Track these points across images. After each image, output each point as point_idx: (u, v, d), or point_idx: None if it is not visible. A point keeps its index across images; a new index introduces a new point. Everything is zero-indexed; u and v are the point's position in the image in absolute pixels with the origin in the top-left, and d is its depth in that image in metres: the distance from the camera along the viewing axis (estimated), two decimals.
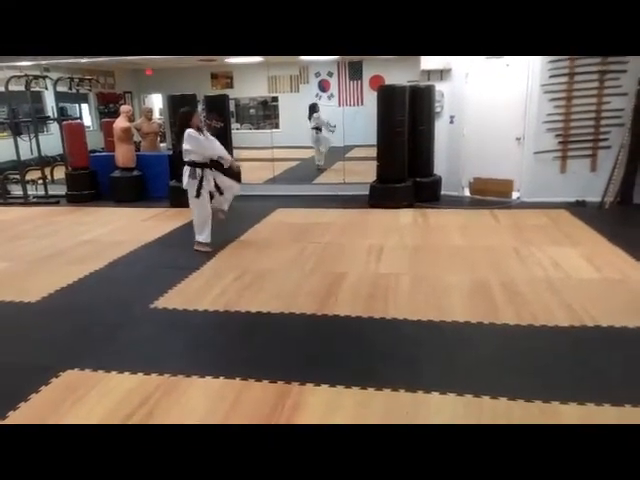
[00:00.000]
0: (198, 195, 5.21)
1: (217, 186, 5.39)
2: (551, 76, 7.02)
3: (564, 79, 7.00)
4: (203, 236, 5.35)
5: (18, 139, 8.48)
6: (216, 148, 5.28)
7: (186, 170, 5.22)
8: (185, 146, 5.14)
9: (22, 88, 8.67)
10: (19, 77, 8.58)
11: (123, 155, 8.19)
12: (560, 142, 7.19)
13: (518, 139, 7.35)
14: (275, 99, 14.42)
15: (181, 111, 5.39)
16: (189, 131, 5.11)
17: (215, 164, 5.36)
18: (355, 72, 13.43)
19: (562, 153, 7.23)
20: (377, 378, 2.90)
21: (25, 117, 9.09)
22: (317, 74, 14.07)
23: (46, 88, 9.56)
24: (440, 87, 7.68)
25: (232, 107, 12.84)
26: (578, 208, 6.83)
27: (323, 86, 14.10)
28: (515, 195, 7.52)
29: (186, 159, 5.20)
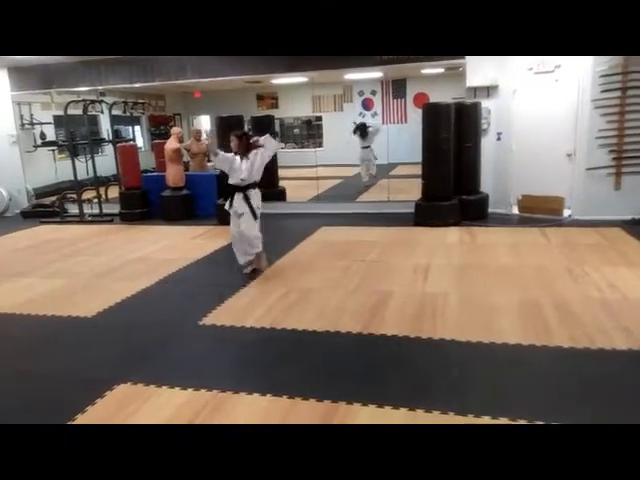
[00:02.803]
0: (255, 217, 5.15)
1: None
2: (602, 91, 6.83)
3: (616, 93, 6.79)
4: (259, 248, 5.24)
5: (75, 160, 8.91)
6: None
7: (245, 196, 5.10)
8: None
9: (79, 112, 9.14)
10: (77, 102, 9.04)
11: (173, 175, 8.46)
12: (614, 158, 6.96)
13: (569, 155, 7.16)
14: (319, 118, 14.61)
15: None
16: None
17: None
18: (399, 90, 13.48)
19: (616, 169, 6.98)
20: (426, 400, 2.85)
21: (82, 139, 9.55)
22: (361, 93, 14.19)
23: (102, 112, 10.03)
24: (487, 104, 7.60)
25: (277, 127, 13.09)
26: (634, 226, 6.55)
27: (367, 105, 14.20)
28: (566, 213, 7.30)
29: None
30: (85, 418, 2.82)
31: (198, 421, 2.74)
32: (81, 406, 2.92)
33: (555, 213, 7.28)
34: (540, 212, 7.36)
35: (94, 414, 2.86)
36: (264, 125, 9.48)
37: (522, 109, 7.39)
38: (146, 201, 8.80)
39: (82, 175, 9.10)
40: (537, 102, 7.28)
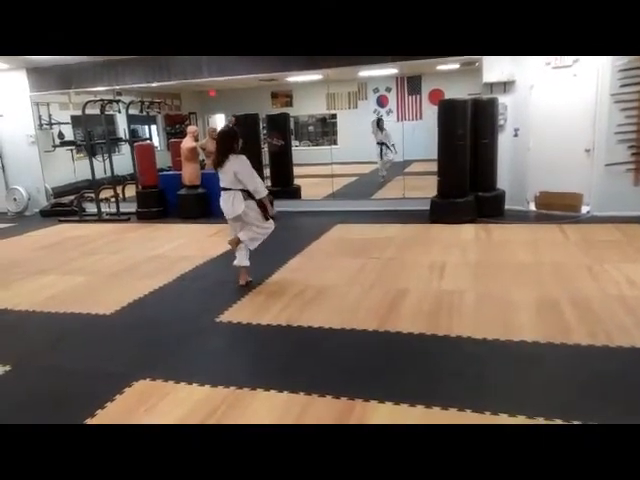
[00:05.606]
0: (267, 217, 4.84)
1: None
2: (622, 85, 6.73)
3: (636, 88, 6.68)
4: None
5: (93, 160, 9.02)
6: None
7: (238, 195, 4.66)
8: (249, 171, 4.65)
9: (97, 112, 9.23)
10: (95, 102, 9.14)
11: (190, 173, 8.52)
12: (633, 153, 6.85)
13: (587, 151, 7.07)
14: (333, 116, 14.60)
15: (232, 130, 4.91)
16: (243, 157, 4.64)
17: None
18: (414, 87, 13.41)
19: (636, 165, 6.88)
20: (442, 397, 2.84)
21: (99, 139, 9.66)
22: (375, 90, 14.15)
23: (119, 111, 10.12)
24: (503, 99, 7.53)
25: (291, 125, 13.11)
26: None
27: (381, 102, 14.15)
28: (585, 209, 7.21)
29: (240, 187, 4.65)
30: (104, 413, 2.86)
31: (215, 417, 2.77)
32: (101, 402, 2.96)
33: (573, 210, 7.19)
34: (558, 209, 7.27)
35: (113, 409, 2.91)
36: (279, 123, 9.54)
37: (540, 104, 7.31)
38: (162, 200, 8.87)
39: (100, 174, 9.22)
40: (555, 97, 7.19)
